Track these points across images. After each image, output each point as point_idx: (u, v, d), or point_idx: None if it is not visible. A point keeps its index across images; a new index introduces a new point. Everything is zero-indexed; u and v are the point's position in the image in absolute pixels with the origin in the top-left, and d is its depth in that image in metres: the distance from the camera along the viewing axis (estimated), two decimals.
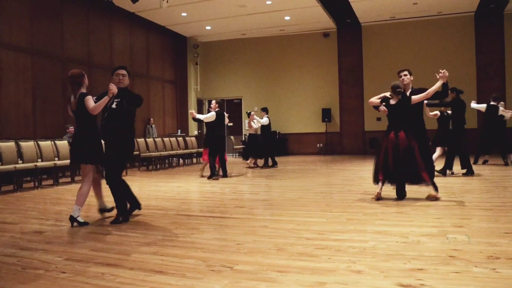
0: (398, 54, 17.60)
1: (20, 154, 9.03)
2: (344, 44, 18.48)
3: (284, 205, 6.23)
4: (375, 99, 6.62)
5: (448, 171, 9.26)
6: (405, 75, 6.54)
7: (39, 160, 9.39)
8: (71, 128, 11.60)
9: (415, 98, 6.26)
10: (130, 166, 13.61)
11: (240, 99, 19.97)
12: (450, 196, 6.52)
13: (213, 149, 10.00)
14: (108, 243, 4.21)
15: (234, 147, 17.21)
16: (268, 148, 12.84)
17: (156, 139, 14.05)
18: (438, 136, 9.64)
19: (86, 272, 3.32)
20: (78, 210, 5.12)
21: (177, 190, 8.32)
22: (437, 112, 9.53)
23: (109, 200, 5.60)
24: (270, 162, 12.89)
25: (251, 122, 12.59)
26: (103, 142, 5.40)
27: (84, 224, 5.11)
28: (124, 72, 5.37)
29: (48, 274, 3.29)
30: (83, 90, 5.24)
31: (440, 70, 6.13)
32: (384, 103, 6.36)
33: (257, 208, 6.18)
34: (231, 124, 19.15)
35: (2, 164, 8.53)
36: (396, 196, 6.27)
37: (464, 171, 9.21)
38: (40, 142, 9.63)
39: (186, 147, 15.25)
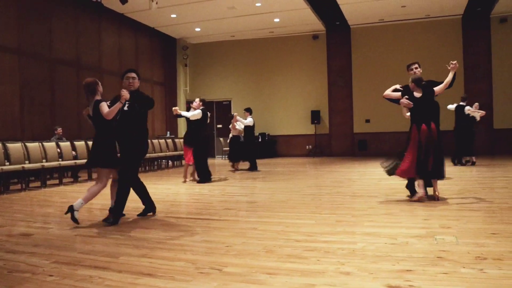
0: (386, 56, 17.74)
1: (7, 156, 8.93)
2: (333, 46, 18.56)
3: (273, 207, 6.22)
4: (390, 92, 6.50)
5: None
6: (416, 68, 6.54)
7: (27, 162, 9.30)
8: (59, 130, 11.51)
9: (437, 89, 6.26)
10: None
11: (230, 101, 19.95)
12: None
13: (202, 151, 9.53)
14: (96, 246, 4.17)
15: (224, 149, 17.18)
16: (252, 150, 12.43)
17: None
18: None
19: (74, 275, 3.29)
20: (80, 204, 5.19)
21: (166, 192, 8.28)
22: None
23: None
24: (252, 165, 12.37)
25: (235, 123, 12.28)
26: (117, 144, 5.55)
27: (75, 221, 5.12)
28: (134, 75, 5.52)
29: (35, 277, 3.26)
30: (98, 97, 5.39)
31: (451, 62, 6.22)
32: (407, 96, 6.22)
33: (246, 210, 6.17)
34: (220, 125, 19.15)
35: None
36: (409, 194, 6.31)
37: None
38: (27, 144, 9.53)
39: (175, 149, 15.19)
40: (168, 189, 8.86)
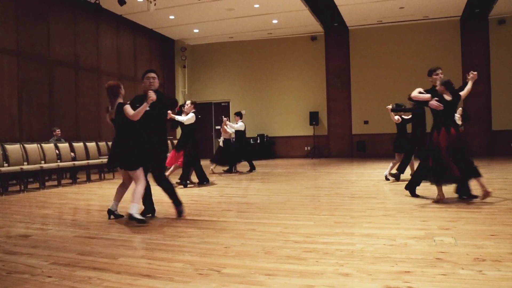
0: (385, 57, 17.77)
1: (5, 157, 8.92)
2: (332, 47, 18.58)
3: (271, 208, 6.22)
4: (418, 94, 6.32)
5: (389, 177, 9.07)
6: (441, 73, 6.51)
7: (25, 163, 9.29)
8: (58, 131, 11.50)
9: (463, 94, 6.27)
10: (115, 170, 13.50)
11: (228, 102, 19.96)
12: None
13: (195, 155, 9.20)
14: (95, 247, 4.17)
15: None
16: (239, 154, 12.12)
17: None
18: (398, 141, 9.24)
19: (73, 276, 3.29)
20: (135, 208, 5.24)
21: (164, 194, 8.24)
22: (399, 118, 9.13)
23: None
24: (246, 167, 12.21)
25: (224, 126, 11.95)
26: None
27: (141, 221, 5.17)
28: (154, 75, 5.63)
29: (34, 279, 3.25)
30: (120, 100, 5.45)
31: (472, 72, 6.34)
32: (436, 98, 6.10)
33: (244, 211, 6.16)
34: (218, 127, 19.12)
35: None
36: (457, 196, 6.25)
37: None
38: (26, 145, 9.52)
39: None
40: None
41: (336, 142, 18.52)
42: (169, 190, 5.68)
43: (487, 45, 16.73)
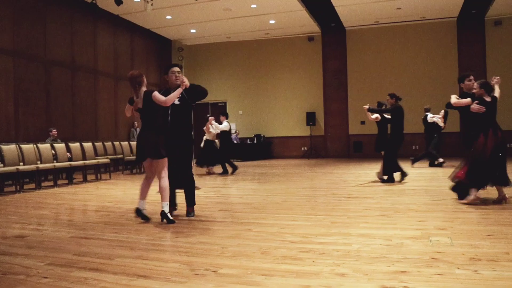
0: (382, 58, 17.81)
1: (1, 158, 8.90)
2: (329, 48, 18.60)
3: (268, 208, 6.22)
4: (457, 100, 6.26)
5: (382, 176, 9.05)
6: (473, 79, 6.45)
7: (21, 163, 9.27)
8: (54, 131, 11.46)
9: (498, 95, 6.18)
10: (113, 170, 13.50)
11: (225, 102, 19.96)
12: (433, 199, 6.59)
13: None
14: (91, 248, 4.16)
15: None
16: (224, 155, 12.00)
17: None
18: (379, 140, 9.24)
19: (69, 277, 3.28)
20: (167, 206, 5.21)
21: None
22: (378, 115, 9.06)
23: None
24: (229, 168, 12.01)
25: (209, 125, 11.66)
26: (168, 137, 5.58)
27: (171, 222, 5.16)
28: (178, 69, 5.66)
29: (30, 280, 3.24)
30: (145, 88, 5.41)
31: (495, 77, 6.29)
32: (477, 101, 6.00)
33: (241, 211, 6.16)
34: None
35: None
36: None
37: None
38: (22, 146, 9.50)
39: None
40: None
41: (333, 142, 18.54)
42: (191, 189, 5.68)
43: (484, 46, 16.78)
